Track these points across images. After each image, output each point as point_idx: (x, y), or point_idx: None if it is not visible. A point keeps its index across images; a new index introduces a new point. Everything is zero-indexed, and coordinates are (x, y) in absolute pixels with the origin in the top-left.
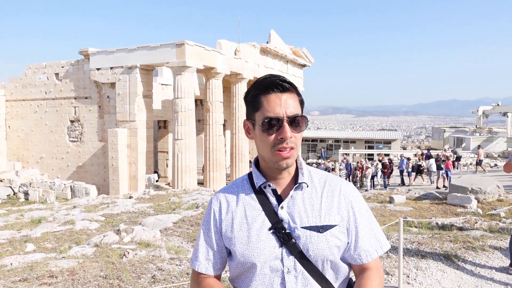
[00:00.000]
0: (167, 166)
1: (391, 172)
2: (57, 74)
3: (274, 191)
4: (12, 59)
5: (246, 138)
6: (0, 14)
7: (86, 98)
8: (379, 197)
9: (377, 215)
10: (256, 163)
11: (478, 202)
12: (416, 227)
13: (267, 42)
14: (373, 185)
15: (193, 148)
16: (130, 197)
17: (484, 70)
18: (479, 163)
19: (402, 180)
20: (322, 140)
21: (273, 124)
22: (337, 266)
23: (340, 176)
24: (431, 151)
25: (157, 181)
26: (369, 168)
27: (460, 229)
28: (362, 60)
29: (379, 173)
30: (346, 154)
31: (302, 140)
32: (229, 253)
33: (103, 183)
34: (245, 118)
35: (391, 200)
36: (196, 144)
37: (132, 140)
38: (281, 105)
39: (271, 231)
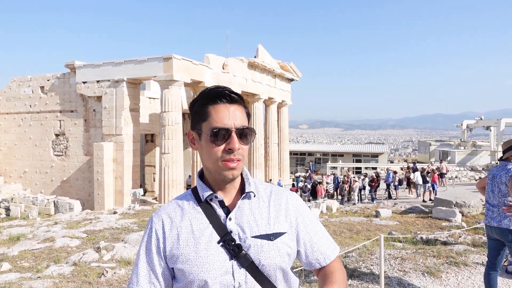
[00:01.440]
0: (154, 181)
1: (378, 186)
2: (42, 87)
3: (221, 203)
4: None
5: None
6: None
7: (72, 111)
8: (366, 211)
9: (362, 230)
10: (201, 175)
11: (462, 215)
12: (400, 241)
13: (255, 57)
14: (361, 199)
15: (180, 162)
16: (115, 213)
17: (468, 85)
18: (441, 176)
19: (389, 193)
20: (310, 154)
21: (221, 135)
22: (288, 277)
23: (327, 190)
24: (416, 164)
25: (143, 195)
26: (357, 181)
27: (444, 243)
28: (350, 75)
29: (367, 187)
30: (333, 167)
31: (291, 153)
32: (174, 276)
33: (88, 198)
34: (190, 128)
35: (377, 214)
36: (184, 157)
37: (118, 154)
38: (230, 116)
39: (220, 244)
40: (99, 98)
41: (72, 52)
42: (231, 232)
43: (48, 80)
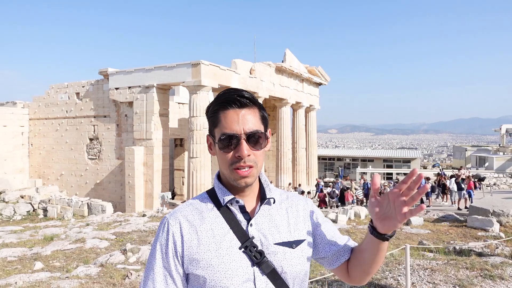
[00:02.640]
0: (183, 184)
1: None
2: (77, 94)
3: (242, 208)
4: (35, 79)
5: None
6: (26, 38)
7: (105, 116)
8: None
9: (392, 238)
10: (218, 177)
11: (500, 225)
12: (431, 251)
13: (282, 61)
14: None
15: (208, 166)
16: (144, 215)
17: (507, 87)
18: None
19: (421, 200)
20: (340, 159)
21: (230, 141)
22: (302, 282)
23: (356, 196)
24: (444, 170)
25: (172, 199)
26: (387, 187)
27: (479, 254)
28: (381, 78)
29: None
30: (363, 173)
31: (319, 158)
32: (187, 282)
33: (120, 201)
34: (207, 133)
35: (407, 222)
36: (213, 162)
37: (148, 158)
38: (239, 121)
39: (242, 250)
40: (130, 104)
41: (105, 58)
42: (252, 238)
43: (83, 87)
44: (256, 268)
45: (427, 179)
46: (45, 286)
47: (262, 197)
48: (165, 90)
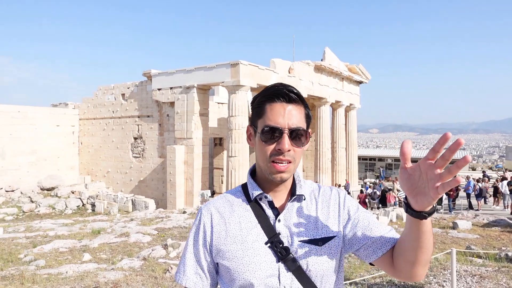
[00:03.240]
0: (222, 183)
1: (457, 195)
2: (123, 95)
3: (271, 203)
4: (84, 81)
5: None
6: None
7: (148, 116)
8: (441, 222)
9: (437, 242)
10: (252, 172)
11: None
12: (480, 257)
13: (321, 60)
14: (436, 209)
15: (246, 165)
16: (184, 212)
17: None
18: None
19: (470, 203)
20: (381, 159)
21: (272, 134)
22: (331, 280)
23: (399, 197)
24: (486, 172)
25: (211, 196)
26: None
27: None
28: (425, 74)
29: (443, 196)
30: None
31: (359, 158)
32: (217, 271)
33: (162, 198)
34: (249, 124)
35: (454, 226)
36: (251, 161)
37: (188, 156)
38: (284, 115)
39: (268, 245)
40: (172, 104)
41: (148, 60)
42: (279, 234)
43: (128, 88)
44: (281, 264)
45: (477, 181)
46: (92, 276)
47: (292, 193)
48: (205, 90)
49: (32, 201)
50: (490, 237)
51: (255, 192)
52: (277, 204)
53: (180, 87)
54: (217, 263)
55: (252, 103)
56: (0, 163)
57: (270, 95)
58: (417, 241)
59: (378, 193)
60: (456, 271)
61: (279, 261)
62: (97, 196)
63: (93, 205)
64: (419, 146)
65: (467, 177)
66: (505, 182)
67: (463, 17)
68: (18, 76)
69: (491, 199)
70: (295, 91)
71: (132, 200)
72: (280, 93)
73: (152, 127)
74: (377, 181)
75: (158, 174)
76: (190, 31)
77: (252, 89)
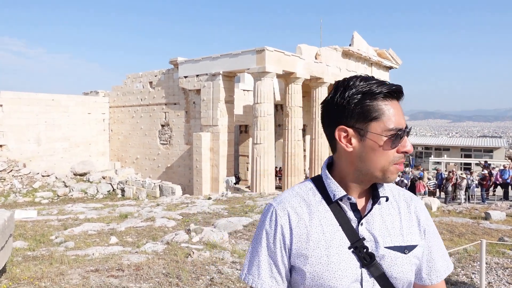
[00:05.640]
0: (247, 170)
1: (491, 185)
2: (151, 83)
3: (353, 205)
4: (114, 68)
5: (325, 144)
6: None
7: (175, 104)
8: (473, 212)
9: (466, 233)
10: (328, 168)
11: None
12: None
13: (349, 45)
14: (468, 198)
15: (271, 153)
16: (209, 198)
17: None
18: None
19: (506, 193)
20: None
21: (400, 137)
22: (410, 287)
23: (428, 186)
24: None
25: (237, 183)
26: (464, 179)
27: None
28: (459, 59)
29: (474, 185)
30: (437, 162)
31: None
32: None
33: (188, 184)
34: (339, 124)
35: (486, 217)
36: (276, 148)
37: (214, 143)
38: (401, 115)
39: (351, 250)
40: (198, 91)
41: (175, 48)
42: (363, 239)
43: (155, 76)
44: (364, 270)
45: None
46: (116, 259)
47: (374, 195)
48: (230, 78)
49: (66, 186)
50: None
51: (338, 193)
52: (359, 207)
53: (206, 74)
54: (292, 266)
55: (341, 101)
56: (36, 149)
57: (382, 93)
58: None
59: (406, 181)
60: (487, 263)
61: (362, 267)
62: (126, 181)
63: (122, 190)
64: (452, 134)
65: (504, 166)
66: None
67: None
68: (52, 66)
69: None
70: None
71: (159, 186)
72: (396, 90)
73: (178, 114)
74: (406, 169)
75: (185, 161)
76: (217, 19)
77: (278, 76)
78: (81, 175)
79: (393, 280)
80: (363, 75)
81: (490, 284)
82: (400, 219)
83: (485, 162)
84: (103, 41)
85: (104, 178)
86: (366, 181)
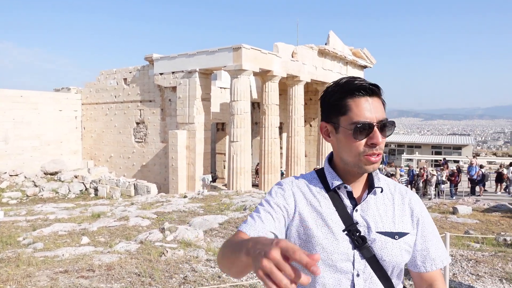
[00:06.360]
0: (224, 168)
1: (459, 181)
2: (125, 79)
3: (349, 194)
4: (87, 66)
5: (302, 141)
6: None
7: (150, 101)
8: (442, 207)
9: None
10: (329, 161)
11: None
12: (478, 242)
13: (325, 44)
14: (438, 194)
15: (248, 150)
16: (185, 197)
17: None
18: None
19: (472, 189)
20: (385, 145)
21: (363, 130)
22: (401, 272)
23: (400, 182)
24: (477, 158)
25: (213, 181)
26: (434, 175)
27: None
28: (431, 59)
29: (444, 181)
30: (409, 159)
31: None
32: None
33: (164, 182)
34: (322, 120)
35: (454, 211)
36: (253, 146)
37: (190, 141)
38: (371, 109)
39: (345, 232)
40: (174, 89)
41: (149, 44)
42: (357, 223)
43: (130, 73)
44: (356, 251)
45: (481, 166)
46: (87, 259)
47: (370, 185)
48: (207, 75)
49: (35, 185)
50: (489, 222)
51: (335, 182)
52: (355, 195)
53: (182, 71)
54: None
55: (326, 99)
56: (3, 147)
57: (351, 91)
58: None
59: None
60: (452, 256)
61: (354, 249)
62: (99, 180)
63: (95, 190)
64: (423, 132)
65: (471, 163)
66: (511, 168)
67: (470, 3)
68: (21, 61)
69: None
70: (374, 83)
71: (134, 184)
72: (363, 87)
73: (154, 112)
74: (380, 166)
75: (161, 159)
76: (193, 17)
77: (255, 74)
78: (52, 174)
79: (383, 263)
80: (348, 76)
81: (455, 275)
82: (394, 209)
83: (444, 159)
84: (75, 37)
85: (76, 177)
86: (352, 171)
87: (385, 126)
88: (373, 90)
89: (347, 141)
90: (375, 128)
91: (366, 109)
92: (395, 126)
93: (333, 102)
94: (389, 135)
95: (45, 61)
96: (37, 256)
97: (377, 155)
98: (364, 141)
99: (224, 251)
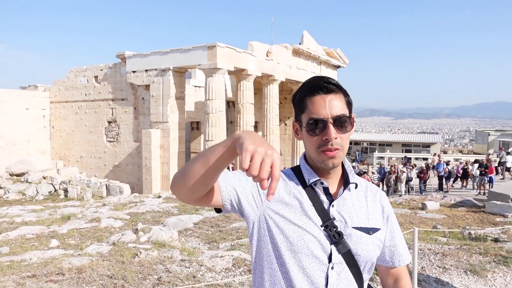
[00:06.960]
0: None
1: (427, 178)
2: (96, 77)
3: (326, 189)
4: (55, 62)
5: (277, 140)
6: (46, 23)
7: (123, 100)
8: (411, 203)
9: (404, 222)
10: (305, 159)
11: None
12: (445, 236)
13: (299, 43)
14: (408, 191)
15: None
16: (159, 197)
17: None
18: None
19: (440, 185)
20: (357, 143)
21: (317, 126)
22: (372, 266)
23: (372, 180)
24: (442, 156)
25: None
26: (404, 172)
27: (495, 240)
28: (402, 60)
29: (414, 178)
30: (381, 157)
31: None
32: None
33: (138, 182)
34: (293, 119)
35: (423, 207)
36: None
37: (164, 140)
38: (325, 106)
39: (322, 228)
40: (147, 87)
41: (122, 41)
42: (334, 218)
43: (101, 70)
44: (333, 246)
45: (447, 163)
46: (57, 262)
47: (345, 181)
48: (181, 73)
49: (0, 187)
50: (456, 217)
51: (311, 178)
52: (331, 191)
53: (156, 69)
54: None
55: (293, 99)
56: None
57: (309, 90)
58: None
59: None
60: (420, 250)
61: (331, 244)
62: (69, 181)
63: (65, 191)
64: (394, 131)
65: (439, 160)
66: (476, 165)
67: (437, 9)
68: None
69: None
70: (333, 81)
71: (106, 185)
72: (319, 86)
73: (126, 110)
74: (353, 164)
75: (134, 159)
76: (167, 15)
77: (230, 72)
78: (18, 175)
79: (357, 257)
80: (313, 76)
81: (423, 268)
82: (367, 205)
83: (405, 157)
84: (43, 32)
85: (44, 178)
86: (320, 166)
87: (341, 121)
88: (328, 88)
89: (306, 137)
90: (329, 123)
91: (321, 106)
92: (354, 121)
93: (297, 101)
94: (349, 131)
95: (9, 57)
96: (2, 260)
97: (335, 150)
98: (319, 136)
99: (189, 163)
